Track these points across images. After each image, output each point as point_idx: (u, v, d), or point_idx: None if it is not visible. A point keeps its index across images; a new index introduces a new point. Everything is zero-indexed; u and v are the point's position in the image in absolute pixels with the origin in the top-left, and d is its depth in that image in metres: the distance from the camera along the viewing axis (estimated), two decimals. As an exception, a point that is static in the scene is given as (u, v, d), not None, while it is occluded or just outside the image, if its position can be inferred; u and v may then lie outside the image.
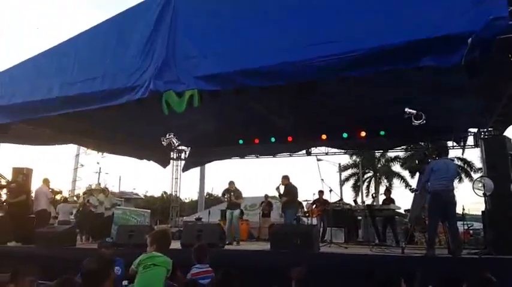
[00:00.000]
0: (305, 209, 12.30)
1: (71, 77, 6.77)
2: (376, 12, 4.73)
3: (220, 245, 7.01)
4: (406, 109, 6.24)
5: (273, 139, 12.00)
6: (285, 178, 9.73)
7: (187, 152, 14.24)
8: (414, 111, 6.12)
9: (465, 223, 10.84)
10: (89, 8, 77.15)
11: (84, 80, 6.61)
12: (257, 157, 13.82)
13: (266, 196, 13.75)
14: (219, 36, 5.70)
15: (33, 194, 10.02)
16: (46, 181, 10.19)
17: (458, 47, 4.07)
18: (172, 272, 3.96)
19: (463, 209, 11.27)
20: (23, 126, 8.49)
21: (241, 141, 12.41)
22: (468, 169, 26.79)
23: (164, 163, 14.12)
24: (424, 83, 6.92)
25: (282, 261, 5.47)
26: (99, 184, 26.58)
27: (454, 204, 6.42)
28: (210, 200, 28.51)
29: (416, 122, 6.09)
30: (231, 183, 10.44)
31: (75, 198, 26.20)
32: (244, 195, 10.64)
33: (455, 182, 6.50)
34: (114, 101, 6.35)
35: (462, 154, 11.14)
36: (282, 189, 9.75)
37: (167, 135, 10.82)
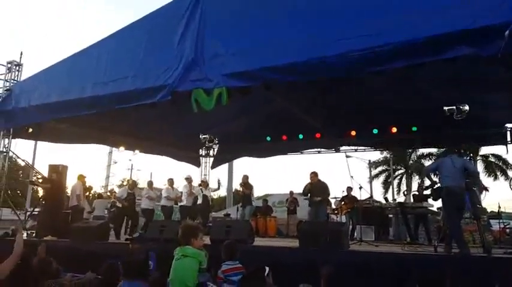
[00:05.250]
0: (333, 207, 12.19)
1: (104, 76, 6.96)
2: (412, 3, 4.61)
3: (249, 241, 7.04)
4: (445, 108, 6.14)
5: (300, 136, 11.94)
6: (315, 175, 9.67)
7: (215, 149, 14.36)
8: (454, 108, 6.02)
9: (501, 221, 10.48)
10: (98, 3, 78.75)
11: (116, 79, 6.78)
12: (285, 154, 13.78)
13: (291, 193, 13.67)
14: (247, 33, 5.72)
15: (68, 191, 10.38)
16: (81, 177, 10.55)
17: (494, 37, 3.92)
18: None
19: (499, 207, 10.89)
20: (57, 125, 8.79)
21: (268, 138, 12.41)
22: (503, 166, 25.94)
23: (196, 161, 14.31)
24: (459, 76, 6.72)
25: (310, 258, 5.44)
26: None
27: (464, 203, 6.44)
28: (238, 197, 28.69)
29: (459, 116, 5.99)
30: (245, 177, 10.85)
31: (108, 193, 26.94)
32: (272, 192, 10.79)
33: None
34: (145, 100, 6.48)
35: (507, 152, 10.71)
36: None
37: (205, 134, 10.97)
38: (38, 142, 14.62)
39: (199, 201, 11.16)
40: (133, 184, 11.61)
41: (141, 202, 11.16)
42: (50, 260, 4.37)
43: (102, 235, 8.12)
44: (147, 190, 11.28)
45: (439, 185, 6.82)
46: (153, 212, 11.07)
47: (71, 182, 10.84)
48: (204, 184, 11.62)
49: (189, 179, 11.56)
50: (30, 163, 16.55)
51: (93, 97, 7.05)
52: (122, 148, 12.58)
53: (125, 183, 39.18)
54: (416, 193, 10.82)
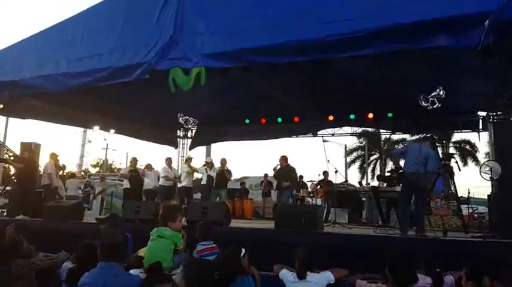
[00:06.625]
0: (310, 190, 12.35)
1: (79, 52, 6.71)
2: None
3: (225, 223, 7.07)
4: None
5: (279, 119, 11.96)
6: (284, 159, 9.67)
7: (193, 131, 14.25)
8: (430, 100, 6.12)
9: (470, 206, 10.86)
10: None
11: (91, 55, 6.55)
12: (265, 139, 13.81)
13: (265, 175, 13.66)
14: (229, 13, 5.60)
15: (41, 169, 10.14)
16: (53, 156, 10.29)
17: (473, 27, 3.96)
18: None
19: (469, 193, 11.28)
20: (31, 101, 8.50)
21: (247, 121, 12.38)
22: (474, 152, 26.86)
23: (173, 143, 14.18)
24: (435, 64, 6.82)
25: (286, 240, 5.52)
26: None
27: (423, 187, 6.58)
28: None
29: (430, 107, 6.10)
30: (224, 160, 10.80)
31: (82, 173, 26.49)
32: (249, 174, 10.76)
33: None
34: (122, 79, 6.30)
35: (479, 140, 11.06)
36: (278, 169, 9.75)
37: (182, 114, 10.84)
38: (10, 119, 14.18)
39: (204, 181, 11.10)
40: (134, 161, 11.42)
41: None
42: (21, 240, 4.29)
43: (75, 214, 8.01)
44: (145, 171, 11.21)
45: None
46: (155, 193, 10.95)
47: (44, 161, 10.60)
48: (209, 164, 11.53)
49: (189, 160, 11.55)
50: (1, 140, 16.05)
51: (67, 74, 6.81)
52: (96, 127, 12.31)
53: (100, 163, 38.67)
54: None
